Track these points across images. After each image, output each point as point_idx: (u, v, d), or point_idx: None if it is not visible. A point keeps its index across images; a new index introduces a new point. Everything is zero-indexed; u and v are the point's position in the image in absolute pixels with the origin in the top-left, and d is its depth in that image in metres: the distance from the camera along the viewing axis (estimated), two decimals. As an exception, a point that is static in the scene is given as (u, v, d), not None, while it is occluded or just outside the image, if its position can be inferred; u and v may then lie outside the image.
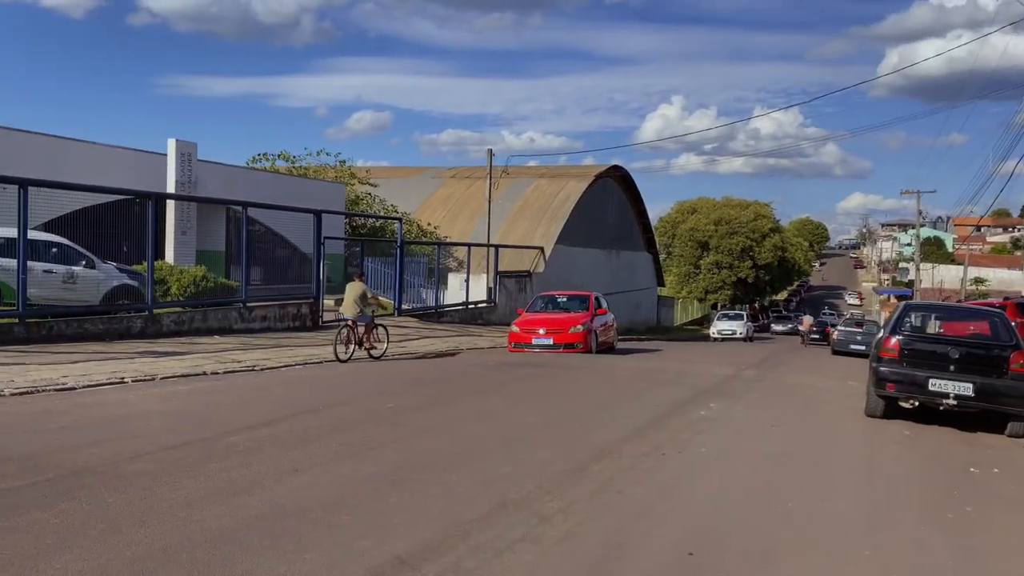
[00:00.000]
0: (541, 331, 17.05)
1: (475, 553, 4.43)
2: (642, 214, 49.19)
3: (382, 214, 32.13)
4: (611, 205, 43.70)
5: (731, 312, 45.70)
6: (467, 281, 26.25)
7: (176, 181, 20.41)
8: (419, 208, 37.68)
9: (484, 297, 27.23)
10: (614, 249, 43.59)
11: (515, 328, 17.55)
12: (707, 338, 40.07)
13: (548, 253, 33.86)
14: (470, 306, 25.93)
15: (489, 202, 31.46)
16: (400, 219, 25.02)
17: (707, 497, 6.08)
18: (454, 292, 26.25)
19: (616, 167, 43.91)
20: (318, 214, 18.64)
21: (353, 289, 14.09)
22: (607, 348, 18.82)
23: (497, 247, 28.28)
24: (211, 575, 3.89)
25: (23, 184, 12.04)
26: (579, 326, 17.11)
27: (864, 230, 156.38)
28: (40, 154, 18.21)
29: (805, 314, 51.24)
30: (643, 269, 50.31)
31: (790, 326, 53.73)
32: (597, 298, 19.00)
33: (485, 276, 27.29)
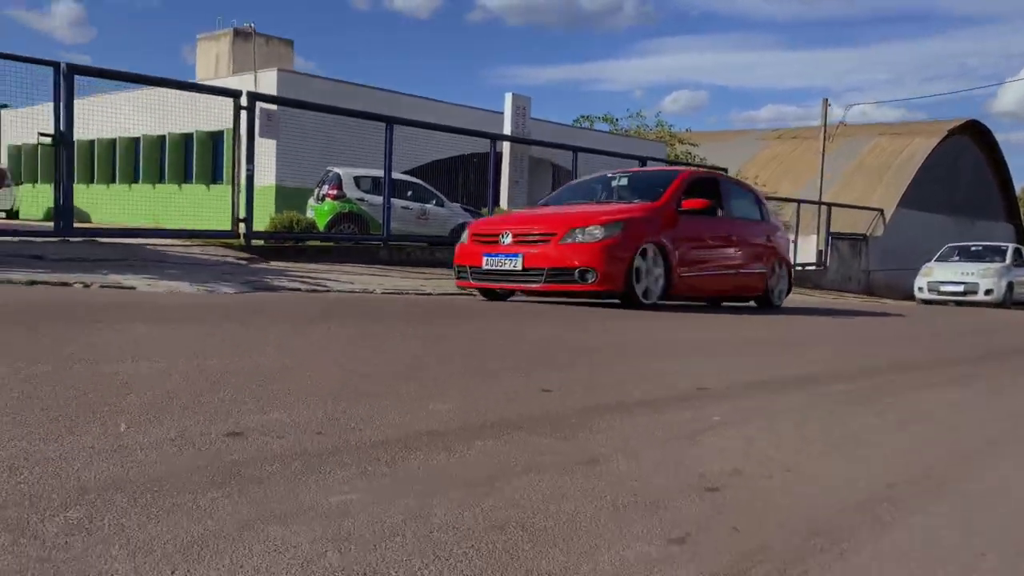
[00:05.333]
0: (506, 239, 8.35)
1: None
2: (1004, 179, 42.63)
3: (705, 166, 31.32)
4: (965, 167, 38.39)
5: (973, 245, 23.41)
6: (795, 242, 24.58)
7: (511, 133, 21.51)
8: (740, 170, 36.17)
9: (812, 259, 25.35)
10: (967, 216, 38.27)
11: (464, 239, 9.15)
12: None
13: (888, 216, 30.65)
14: (797, 267, 24.27)
15: (823, 154, 29.17)
16: (725, 171, 24.07)
17: None
18: (780, 253, 24.77)
19: (974, 122, 38.42)
20: (643, 161, 18.60)
21: None
22: (726, 296, 10.16)
23: (830, 205, 26.14)
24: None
25: (389, 122, 13.35)
26: (596, 227, 7.90)
27: None
28: (405, 110, 20.30)
29: None
30: (1002, 242, 43.69)
31: None
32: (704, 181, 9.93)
33: (815, 237, 25.37)
